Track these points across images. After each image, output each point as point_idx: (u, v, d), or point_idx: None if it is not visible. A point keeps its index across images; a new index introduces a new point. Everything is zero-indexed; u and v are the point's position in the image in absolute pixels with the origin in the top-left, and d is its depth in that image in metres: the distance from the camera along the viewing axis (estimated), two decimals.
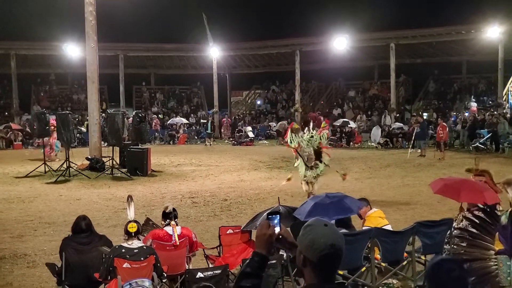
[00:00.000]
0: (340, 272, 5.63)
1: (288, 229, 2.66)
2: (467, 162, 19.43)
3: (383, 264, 6.23)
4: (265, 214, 6.57)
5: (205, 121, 32.75)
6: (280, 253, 5.80)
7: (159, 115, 35.88)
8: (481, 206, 5.07)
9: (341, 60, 35.33)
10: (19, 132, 30.01)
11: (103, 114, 22.17)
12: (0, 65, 35.03)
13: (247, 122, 35.50)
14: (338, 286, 2.37)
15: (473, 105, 29.30)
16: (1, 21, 34.94)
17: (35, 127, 19.46)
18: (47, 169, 16.93)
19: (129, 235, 5.47)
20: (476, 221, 4.96)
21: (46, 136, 18.50)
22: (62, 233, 8.57)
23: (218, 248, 6.95)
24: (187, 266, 6.23)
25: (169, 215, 6.35)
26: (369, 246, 6.07)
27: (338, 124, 29.09)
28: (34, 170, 16.91)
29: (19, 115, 33.23)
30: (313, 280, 2.33)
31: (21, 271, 7.33)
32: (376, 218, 6.88)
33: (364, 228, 6.67)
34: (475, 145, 23.31)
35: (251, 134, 31.51)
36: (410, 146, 22.72)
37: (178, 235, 6.18)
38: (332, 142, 27.94)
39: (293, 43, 34.03)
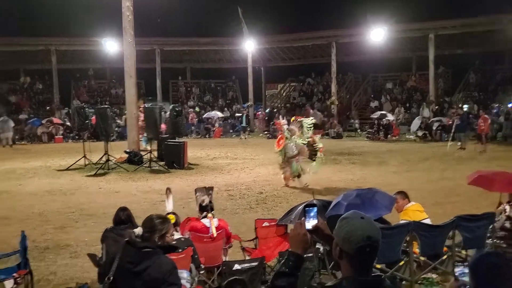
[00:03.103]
0: (378, 266, 5.59)
1: (325, 222, 2.66)
2: (510, 155, 18.96)
3: (422, 258, 6.15)
4: (301, 207, 6.57)
5: (240, 114, 32.83)
6: (317, 246, 5.79)
7: (195, 109, 36.16)
8: None
9: (378, 52, 34.80)
10: (60, 126, 30.73)
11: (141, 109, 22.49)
12: (42, 61, 35.93)
13: (282, 115, 35.39)
14: (374, 279, 2.36)
15: None
16: (42, 18, 35.81)
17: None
18: (87, 163, 17.31)
19: None
20: None
21: (86, 129, 18.86)
22: (102, 225, 8.72)
23: (254, 240, 6.97)
24: (224, 258, 6.28)
25: (205, 208, 6.41)
26: (407, 240, 6.00)
27: (376, 117, 28.76)
28: (74, 163, 17.29)
29: (60, 110, 34.02)
30: (349, 273, 2.34)
31: (64, 261, 7.52)
32: (414, 212, 6.78)
33: (401, 221, 6.59)
34: None
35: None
36: (450, 138, 22.29)
37: (215, 227, 6.24)
38: (369, 135, 27.79)
39: (329, 35, 33.69)
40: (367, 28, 31.11)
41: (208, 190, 7.16)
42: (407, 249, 5.99)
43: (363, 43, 33.14)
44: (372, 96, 36.16)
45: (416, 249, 6.14)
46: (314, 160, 13.40)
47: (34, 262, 7.01)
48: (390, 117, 28.80)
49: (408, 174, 15.23)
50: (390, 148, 22.26)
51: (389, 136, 27.45)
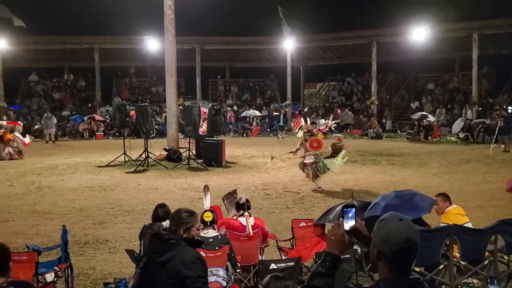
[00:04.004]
0: (417, 269, 5.49)
1: (363, 223, 2.64)
2: None
3: (463, 263, 6.00)
4: (339, 207, 6.51)
5: (278, 113, 32.80)
6: (354, 247, 5.73)
7: (233, 108, 36.31)
8: None
9: (419, 52, 34.25)
10: (101, 123, 31.38)
11: (180, 107, 22.75)
12: (85, 59, 36.79)
13: (320, 114, 35.20)
14: (412, 281, 2.33)
15: None
16: (85, 17, 36.64)
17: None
18: (126, 159, 17.59)
19: (204, 224, 5.56)
20: None
21: (126, 126, 19.17)
22: (140, 221, 8.88)
23: (291, 240, 6.94)
24: (260, 257, 6.28)
25: (242, 206, 6.43)
26: (447, 243, 5.86)
27: (416, 118, 28.29)
28: (114, 159, 17.60)
29: (101, 107, 34.72)
30: (387, 275, 2.33)
31: (103, 256, 7.65)
32: (455, 215, 6.62)
33: (441, 225, 6.45)
34: None
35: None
36: (493, 141, 21.71)
37: (251, 226, 6.24)
38: (409, 136, 27.36)
39: (370, 34, 33.36)
40: (408, 28, 30.63)
41: (233, 194, 7.19)
42: (447, 253, 5.85)
43: (405, 43, 32.67)
44: (413, 96, 35.59)
45: (456, 253, 6.00)
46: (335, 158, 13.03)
47: (74, 256, 7.16)
48: (431, 118, 28.26)
49: (448, 176, 14.91)
50: (431, 150, 21.84)
51: (429, 137, 26.94)
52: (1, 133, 19.61)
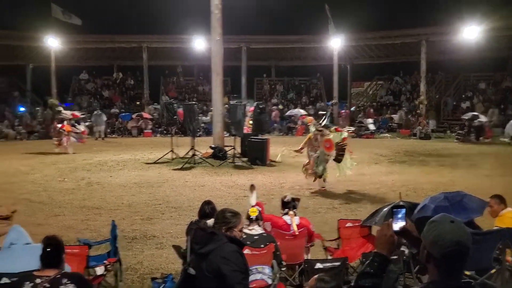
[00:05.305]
0: (467, 272, 5.34)
1: (413, 224, 2.59)
2: None
3: None
4: (387, 208, 6.40)
5: (324, 112, 32.53)
6: (402, 249, 5.63)
7: (279, 107, 36.25)
8: None
9: (471, 50, 33.29)
10: (149, 121, 31.94)
11: (226, 106, 22.93)
12: (134, 57, 37.54)
13: (367, 114, 34.74)
14: (464, 285, 2.26)
15: None
16: (135, 16, 37.39)
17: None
18: (174, 157, 17.84)
19: (250, 220, 5.57)
20: None
21: (174, 124, 19.45)
22: (187, 218, 8.97)
23: (337, 240, 6.88)
24: (305, 256, 6.25)
25: (287, 205, 6.40)
26: (500, 247, 5.68)
27: (467, 118, 27.54)
28: (162, 157, 17.89)
29: (149, 105, 35.33)
30: (436, 277, 2.29)
31: (150, 252, 7.78)
32: (510, 219, 6.40)
33: (495, 228, 6.25)
34: None
35: (371, 127, 30.83)
36: None
37: (296, 225, 6.21)
38: (459, 137, 26.65)
39: (419, 33, 32.70)
40: (460, 26, 29.82)
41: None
42: (500, 257, 5.67)
43: (455, 41, 31.85)
44: (464, 96, 34.68)
45: (509, 257, 5.80)
46: (340, 161, 12.77)
47: (122, 251, 7.27)
48: (483, 118, 27.43)
49: (502, 179, 14.37)
50: (482, 151, 21.21)
51: (481, 138, 26.16)
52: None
